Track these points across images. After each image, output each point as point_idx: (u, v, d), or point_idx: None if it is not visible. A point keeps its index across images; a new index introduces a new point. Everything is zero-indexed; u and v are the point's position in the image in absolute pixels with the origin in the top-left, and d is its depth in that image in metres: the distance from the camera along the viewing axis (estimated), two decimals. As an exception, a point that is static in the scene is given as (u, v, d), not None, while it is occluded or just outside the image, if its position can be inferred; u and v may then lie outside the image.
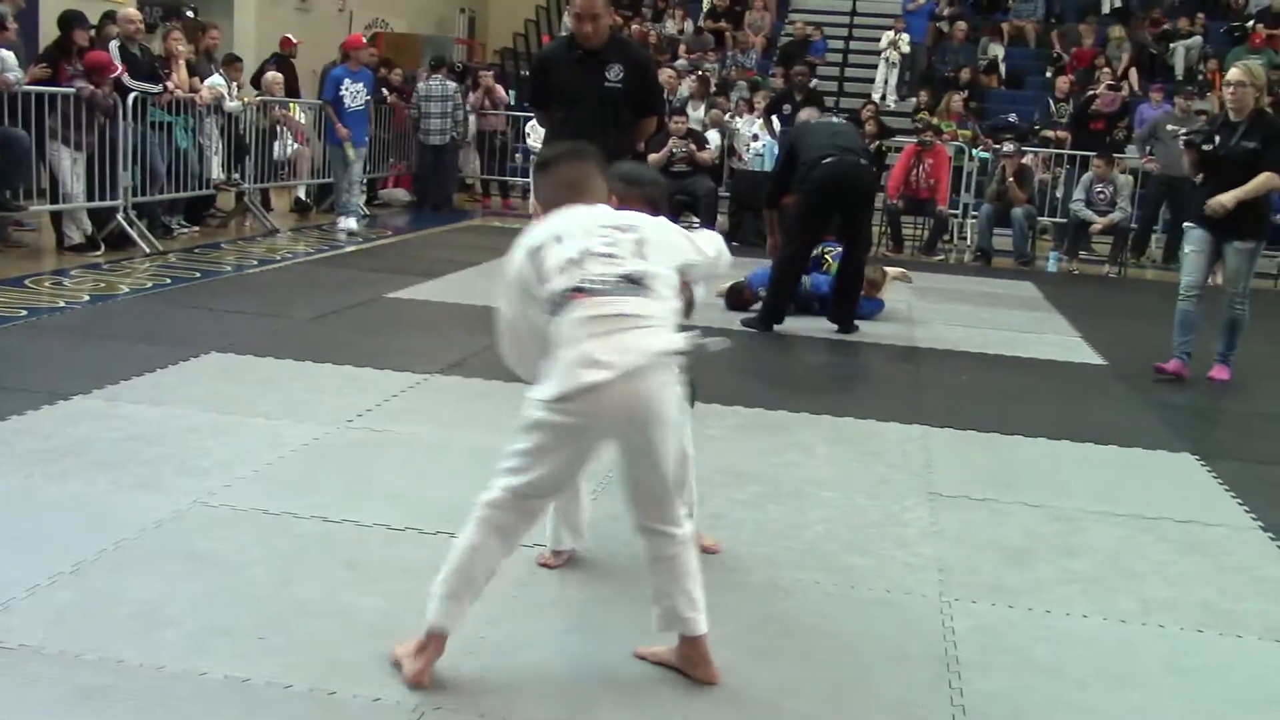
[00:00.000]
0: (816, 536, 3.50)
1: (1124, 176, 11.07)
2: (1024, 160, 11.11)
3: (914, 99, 14.44)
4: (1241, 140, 5.77)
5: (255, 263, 8.28)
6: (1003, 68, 15.87)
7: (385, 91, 12.45)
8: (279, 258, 8.55)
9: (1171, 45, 15.47)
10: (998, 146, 11.63)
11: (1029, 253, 10.99)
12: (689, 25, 16.93)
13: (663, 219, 2.65)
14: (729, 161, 12.04)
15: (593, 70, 5.16)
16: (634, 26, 16.03)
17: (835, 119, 9.06)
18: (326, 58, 12.31)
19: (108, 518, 3.24)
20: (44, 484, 3.50)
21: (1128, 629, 3.02)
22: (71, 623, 2.62)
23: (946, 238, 11.65)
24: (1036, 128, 13.01)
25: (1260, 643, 2.99)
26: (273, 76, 11.14)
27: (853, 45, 16.39)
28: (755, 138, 11.88)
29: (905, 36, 15.74)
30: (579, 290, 2.38)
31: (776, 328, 6.83)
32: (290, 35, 12.31)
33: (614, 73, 5.17)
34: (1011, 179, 10.76)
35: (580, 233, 2.46)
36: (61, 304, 6.30)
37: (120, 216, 8.34)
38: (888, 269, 7.85)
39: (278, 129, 10.88)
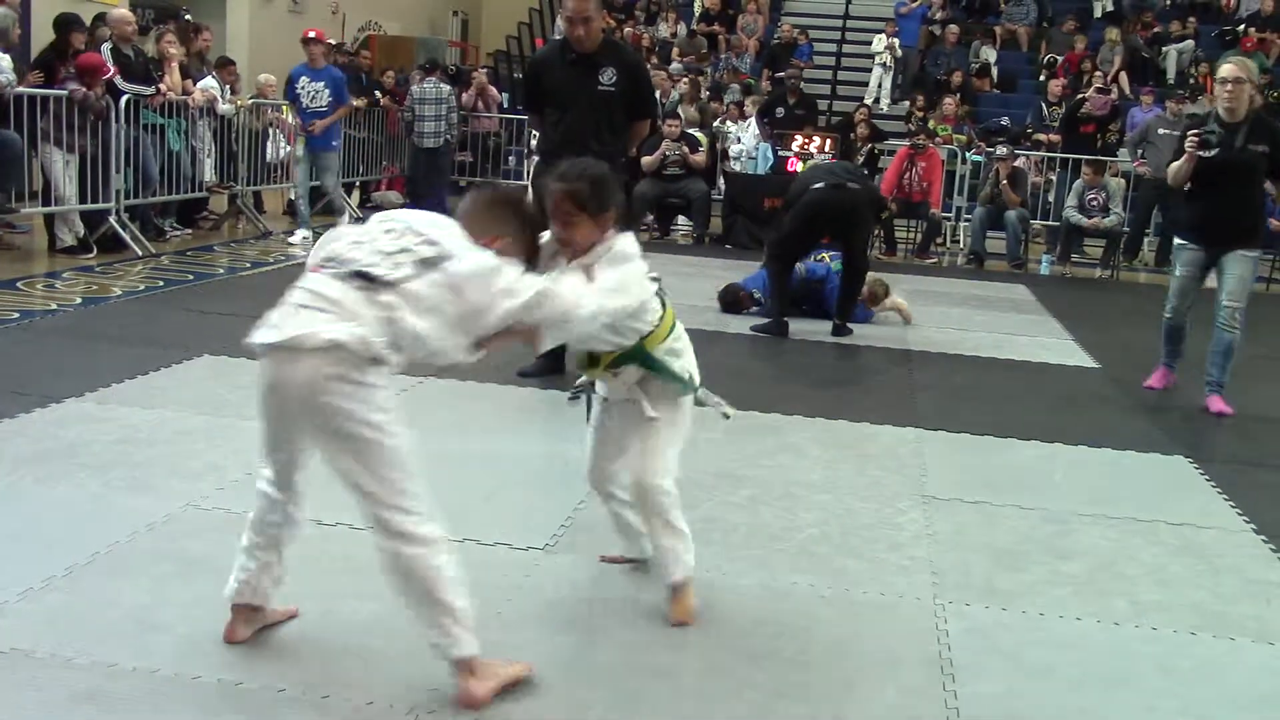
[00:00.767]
0: (810, 539, 3.50)
1: (1116, 181, 11.10)
2: (1017, 163, 11.13)
3: (907, 102, 14.46)
4: (1247, 144, 5.42)
5: (248, 265, 8.28)
6: (995, 71, 15.92)
7: (378, 94, 12.44)
8: (272, 260, 8.54)
9: (1164, 49, 15.52)
10: (991, 150, 11.66)
11: (1022, 256, 11.03)
12: (682, 28, 16.93)
13: (487, 254, 2.46)
14: (721, 165, 12.05)
15: (586, 74, 5.16)
16: (627, 29, 16.05)
17: (836, 162, 9.25)
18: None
19: (100, 521, 3.23)
20: (35, 487, 3.49)
21: (1121, 631, 3.02)
22: (64, 626, 2.61)
23: (939, 240, 11.68)
24: (1029, 131, 13.04)
25: (1253, 645, 3.00)
26: (265, 78, 11.12)
27: (845, 49, 16.40)
28: (738, 140, 11.92)
29: (897, 40, 15.77)
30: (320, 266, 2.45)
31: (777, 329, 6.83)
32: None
33: (607, 76, 5.17)
34: (1005, 182, 10.79)
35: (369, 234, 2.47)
36: (54, 306, 6.28)
37: (113, 219, 8.34)
38: (895, 298, 7.56)
39: (270, 131, 10.86)
